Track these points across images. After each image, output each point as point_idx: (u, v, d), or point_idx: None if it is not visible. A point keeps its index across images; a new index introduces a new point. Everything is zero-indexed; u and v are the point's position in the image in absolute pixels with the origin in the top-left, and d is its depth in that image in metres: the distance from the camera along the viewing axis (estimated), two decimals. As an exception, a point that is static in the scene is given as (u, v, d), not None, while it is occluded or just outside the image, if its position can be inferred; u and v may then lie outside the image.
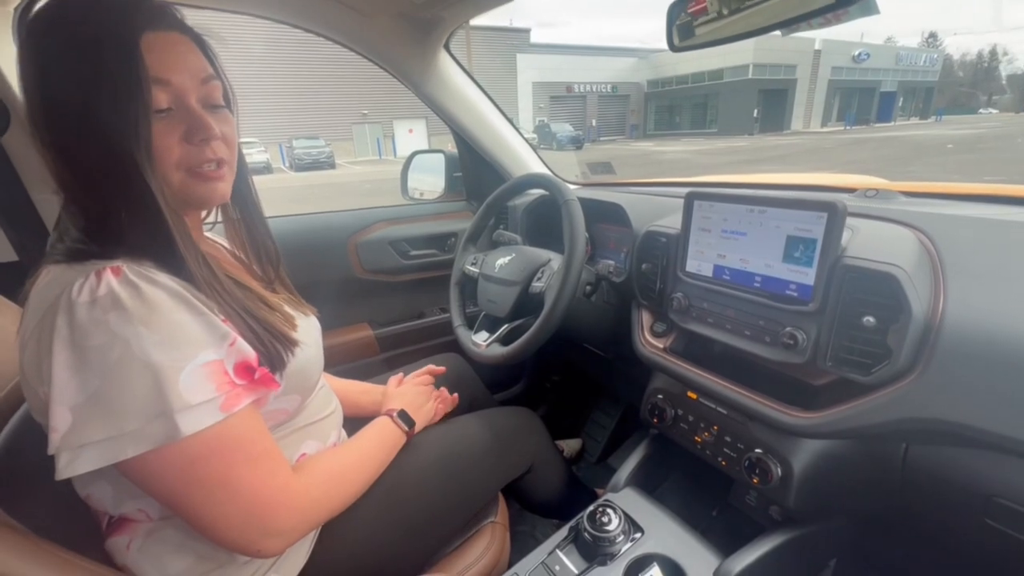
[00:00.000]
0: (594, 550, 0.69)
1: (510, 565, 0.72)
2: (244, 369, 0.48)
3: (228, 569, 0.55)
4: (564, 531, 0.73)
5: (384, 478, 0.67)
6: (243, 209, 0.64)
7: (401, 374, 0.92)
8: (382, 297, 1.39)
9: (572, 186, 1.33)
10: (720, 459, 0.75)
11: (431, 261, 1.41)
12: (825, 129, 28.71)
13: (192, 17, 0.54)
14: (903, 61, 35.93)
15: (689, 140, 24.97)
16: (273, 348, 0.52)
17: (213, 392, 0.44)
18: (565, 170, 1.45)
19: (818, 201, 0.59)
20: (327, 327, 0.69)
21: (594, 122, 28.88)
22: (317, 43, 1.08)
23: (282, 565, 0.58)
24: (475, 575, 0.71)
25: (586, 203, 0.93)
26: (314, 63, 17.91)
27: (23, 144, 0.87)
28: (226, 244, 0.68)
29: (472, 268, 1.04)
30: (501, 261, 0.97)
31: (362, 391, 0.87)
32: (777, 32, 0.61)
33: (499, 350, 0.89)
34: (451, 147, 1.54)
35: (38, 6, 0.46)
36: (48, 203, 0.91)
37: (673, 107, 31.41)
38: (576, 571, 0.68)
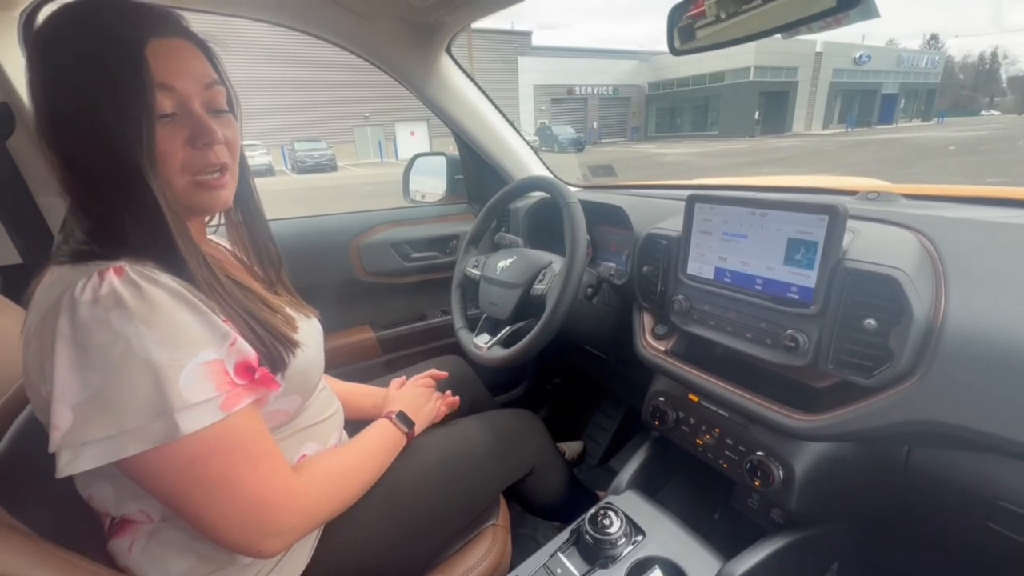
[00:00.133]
0: (595, 553, 0.69)
1: (511, 568, 0.72)
2: (244, 369, 0.48)
3: (229, 571, 0.55)
4: (565, 534, 0.73)
5: (385, 480, 0.67)
6: (245, 212, 0.65)
7: (404, 377, 0.92)
8: (384, 299, 1.40)
9: (573, 188, 1.33)
10: (722, 462, 0.75)
11: (433, 263, 1.42)
12: (826, 131, 28.69)
13: (196, 22, 0.54)
14: (904, 63, 35.92)
15: (690, 142, 24.98)
16: (274, 348, 0.52)
17: (213, 391, 0.45)
18: (566, 172, 1.46)
19: (819, 204, 0.60)
20: (328, 329, 0.70)
21: (595, 124, 28.91)
22: (319, 46, 1.08)
23: (284, 567, 0.58)
24: None
25: (587, 205, 0.93)
26: (316, 65, 17.97)
27: (28, 148, 0.87)
28: (228, 246, 0.68)
29: (474, 270, 1.04)
30: (503, 263, 0.97)
31: (364, 393, 0.87)
32: (778, 35, 0.62)
33: (500, 352, 0.90)
34: (452, 149, 1.54)
35: (44, 11, 0.47)
36: (52, 206, 0.91)
37: (674, 109, 31.43)
38: (577, 574, 0.68)
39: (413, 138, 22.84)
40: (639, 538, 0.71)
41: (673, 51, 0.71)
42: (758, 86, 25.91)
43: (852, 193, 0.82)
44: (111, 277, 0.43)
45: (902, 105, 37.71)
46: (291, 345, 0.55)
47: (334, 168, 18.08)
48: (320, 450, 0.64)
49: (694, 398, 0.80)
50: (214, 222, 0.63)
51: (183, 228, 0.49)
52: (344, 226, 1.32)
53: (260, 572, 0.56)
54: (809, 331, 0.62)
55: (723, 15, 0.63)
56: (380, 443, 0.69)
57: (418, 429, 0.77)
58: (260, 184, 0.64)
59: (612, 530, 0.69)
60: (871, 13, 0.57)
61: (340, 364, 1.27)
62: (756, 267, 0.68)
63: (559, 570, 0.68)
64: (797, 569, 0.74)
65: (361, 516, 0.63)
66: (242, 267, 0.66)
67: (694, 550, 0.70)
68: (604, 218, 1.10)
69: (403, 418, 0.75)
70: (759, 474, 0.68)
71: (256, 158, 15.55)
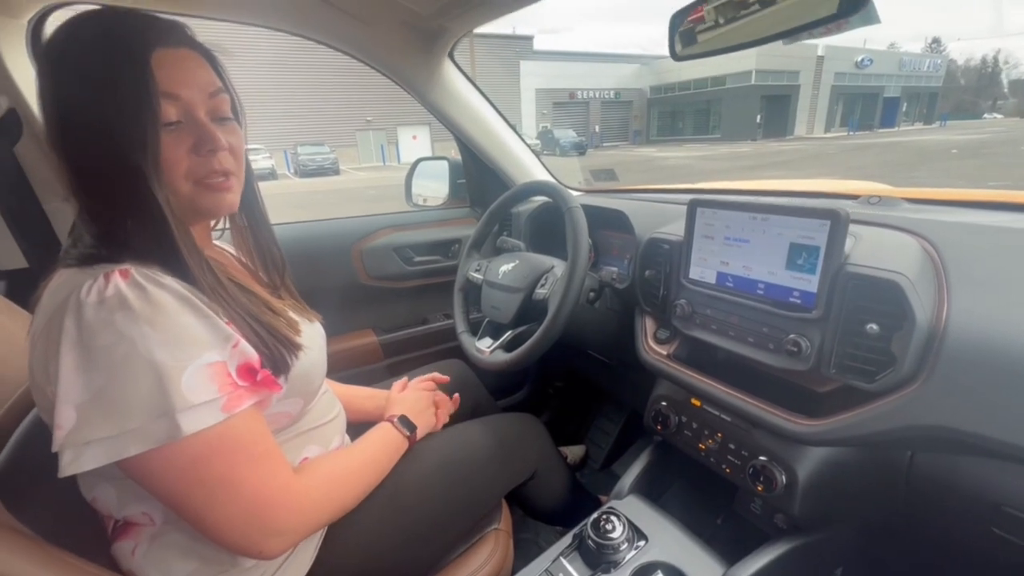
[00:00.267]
0: (598, 558, 0.69)
1: (513, 572, 0.71)
2: (247, 371, 0.49)
3: (232, 573, 0.55)
4: (568, 539, 0.73)
5: (388, 484, 0.67)
6: (250, 216, 0.65)
7: (406, 379, 0.92)
8: (386, 303, 1.40)
9: (575, 193, 1.34)
10: (724, 466, 0.75)
11: (435, 267, 1.42)
12: (829, 135, 28.71)
13: (201, 29, 0.55)
14: (906, 67, 35.93)
15: (692, 146, 25.01)
16: (276, 351, 0.53)
17: (215, 393, 0.45)
18: (568, 176, 1.46)
19: (821, 209, 0.60)
20: (331, 333, 0.70)
21: (597, 128, 28.98)
22: (322, 50, 1.09)
23: (286, 571, 0.58)
24: None
25: (589, 210, 0.93)
26: (319, 70, 18.07)
27: (35, 153, 0.88)
28: (233, 251, 0.69)
29: (476, 274, 1.04)
30: (505, 268, 0.97)
31: (367, 396, 0.87)
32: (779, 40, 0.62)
33: (503, 356, 0.90)
34: (454, 153, 1.55)
35: (51, 19, 0.48)
36: (58, 211, 0.92)
37: (676, 113, 31.49)
38: (580, 579, 0.67)
39: (415, 142, 22.93)
40: (642, 543, 0.71)
41: (675, 56, 0.72)
42: (760, 90, 25.96)
43: (854, 197, 0.82)
44: (117, 279, 0.43)
45: (904, 108, 37.69)
46: (294, 348, 0.55)
47: (336, 172, 18.17)
48: (322, 453, 0.64)
49: (696, 402, 0.80)
50: (219, 226, 0.64)
51: (187, 233, 0.50)
52: (347, 230, 1.33)
53: (263, 575, 0.56)
54: (811, 336, 0.62)
55: (721, 20, 0.64)
56: (382, 446, 0.69)
57: (419, 433, 0.77)
58: (263, 188, 0.65)
59: (615, 535, 0.69)
60: (872, 19, 0.57)
61: (343, 368, 1.28)
62: (758, 272, 0.68)
63: (561, 575, 0.68)
64: (801, 574, 0.74)
65: (363, 520, 0.63)
66: (246, 272, 0.66)
67: (697, 555, 0.70)
68: (606, 222, 1.11)
69: (405, 422, 0.75)
70: (762, 479, 0.68)
71: (259, 162, 15.66)
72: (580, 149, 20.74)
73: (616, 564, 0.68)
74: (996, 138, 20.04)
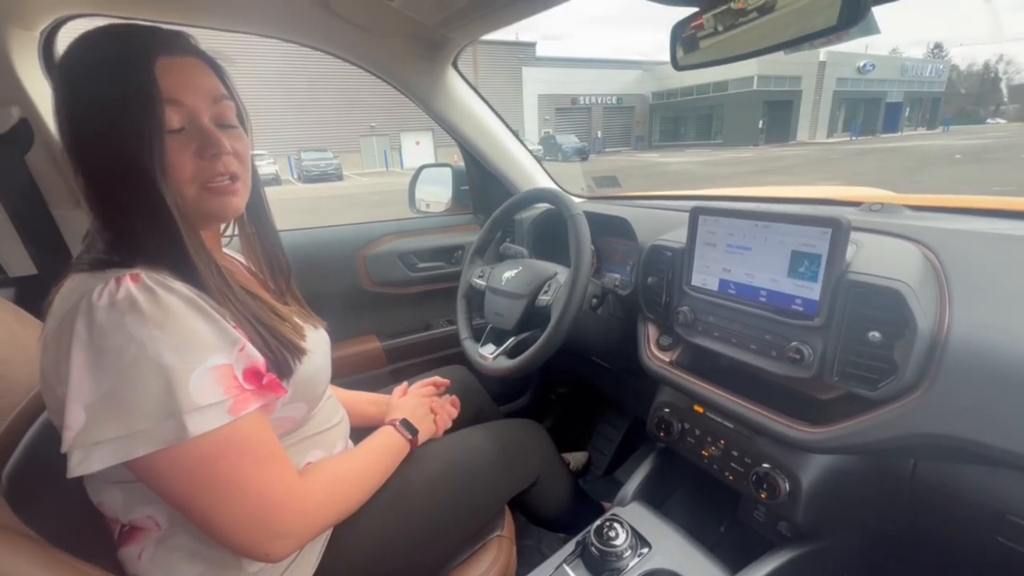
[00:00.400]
0: (601, 565, 0.69)
1: None
2: (253, 374, 0.49)
3: (237, 577, 0.55)
4: (571, 545, 0.73)
5: (391, 489, 0.67)
6: (256, 223, 0.67)
7: (406, 384, 0.93)
8: (390, 309, 1.41)
9: (577, 199, 1.34)
10: (727, 473, 0.75)
11: (438, 273, 1.43)
12: (831, 140, 28.70)
13: (204, 37, 0.57)
14: (909, 72, 35.96)
15: (694, 151, 25.05)
16: (280, 354, 0.54)
17: (222, 395, 0.46)
18: (570, 181, 1.47)
19: (822, 217, 0.60)
20: (335, 339, 0.71)
21: (599, 133, 29.06)
22: (326, 57, 1.10)
23: (291, 574, 0.58)
24: None
25: (592, 217, 0.94)
26: (323, 76, 18.23)
27: (45, 162, 0.90)
28: (243, 259, 0.70)
29: (479, 281, 1.05)
30: (508, 274, 0.98)
31: (370, 401, 0.88)
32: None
33: (506, 363, 0.90)
34: (457, 159, 1.56)
35: (62, 31, 0.49)
36: (67, 219, 0.93)
37: (678, 118, 31.58)
38: (583, 586, 0.67)
39: (418, 148, 23.03)
40: (645, 550, 0.71)
41: (676, 66, 0.73)
42: (762, 95, 26.02)
43: (856, 204, 0.82)
44: (128, 283, 0.44)
45: (907, 113, 37.67)
46: (298, 352, 0.56)
47: (340, 177, 18.26)
48: (326, 457, 0.65)
49: (699, 409, 0.80)
50: (228, 233, 0.65)
51: (195, 236, 0.51)
52: (351, 237, 1.34)
53: (267, 580, 0.57)
54: (814, 343, 0.62)
55: (719, 27, 0.65)
56: (384, 450, 0.70)
57: (421, 437, 0.77)
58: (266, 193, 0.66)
59: (618, 542, 0.69)
60: (872, 29, 0.58)
61: (346, 373, 1.28)
62: (760, 279, 0.68)
63: (564, 582, 0.68)
64: None
65: (367, 525, 0.64)
66: (254, 279, 0.67)
67: (700, 563, 0.69)
68: (609, 229, 1.11)
69: (407, 425, 0.75)
70: (765, 486, 0.68)
71: (263, 168, 15.71)
72: (582, 154, 20.80)
73: (619, 571, 0.68)
74: (1000, 143, 20.00)
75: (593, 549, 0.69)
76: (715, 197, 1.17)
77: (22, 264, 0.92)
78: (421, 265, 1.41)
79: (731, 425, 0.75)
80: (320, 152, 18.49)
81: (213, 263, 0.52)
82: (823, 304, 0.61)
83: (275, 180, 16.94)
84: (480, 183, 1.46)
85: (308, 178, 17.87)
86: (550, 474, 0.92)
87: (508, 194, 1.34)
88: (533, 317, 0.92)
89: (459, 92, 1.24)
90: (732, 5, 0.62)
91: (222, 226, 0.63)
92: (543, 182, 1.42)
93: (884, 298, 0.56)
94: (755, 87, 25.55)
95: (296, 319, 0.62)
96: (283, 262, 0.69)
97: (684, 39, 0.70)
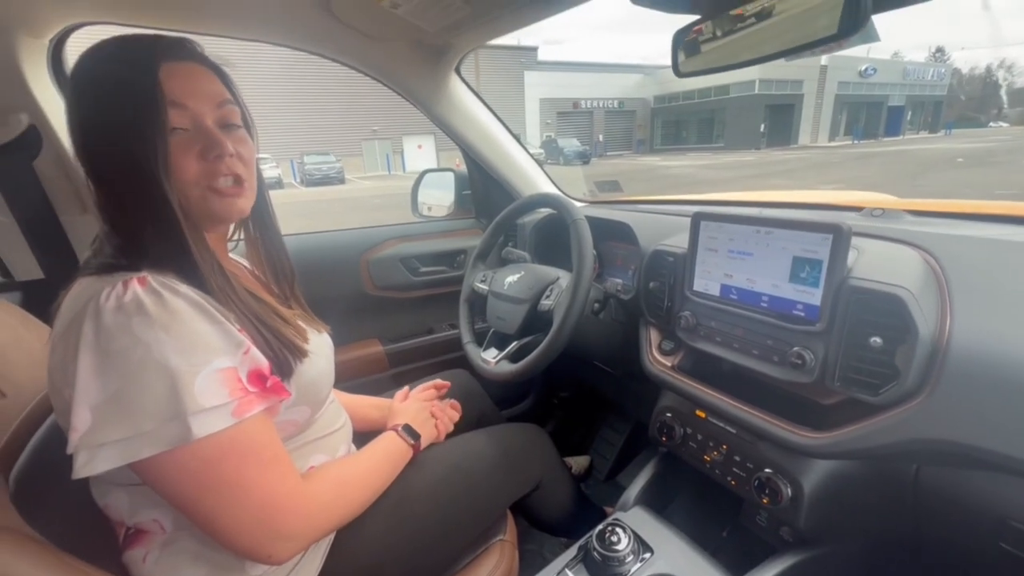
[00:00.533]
0: (603, 570, 0.68)
1: None
2: (257, 377, 0.50)
3: (240, 580, 0.55)
4: (573, 550, 0.73)
5: (393, 493, 0.68)
6: (261, 228, 0.67)
7: (407, 388, 0.93)
8: (392, 313, 1.41)
9: (579, 204, 1.35)
10: (729, 479, 0.75)
11: (441, 278, 1.43)
12: (833, 143, 28.70)
13: (208, 43, 0.58)
14: (910, 75, 35.96)
15: (696, 155, 25.08)
16: (282, 355, 0.54)
17: (226, 397, 0.46)
18: (572, 184, 1.47)
19: (823, 223, 0.60)
20: (338, 342, 0.71)
21: (601, 137, 29.12)
22: (329, 62, 1.11)
23: (294, 579, 0.59)
24: None
25: (594, 221, 0.94)
26: (326, 80, 18.33)
27: (53, 168, 0.91)
28: (248, 264, 0.71)
29: (481, 285, 1.05)
30: (510, 279, 0.98)
31: (373, 405, 0.88)
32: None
33: (508, 367, 0.90)
34: (459, 162, 1.57)
35: (71, 40, 0.50)
36: (74, 224, 0.94)
37: (680, 122, 31.62)
38: (585, 591, 0.67)
39: (420, 151, 23.12)
40: (647, 555, 0.71)
41: (678, 73, 0.73)
42: (763, 99, 26.05)
43: (857, 209, 0.83)
44: (135, 286, 0.45)
45: (909, 117, 37.64)
46: (300, 353, 0.57)
47: (342, 181, 18.31)
48: (328, 461, 0.65)
49: (701, 414, 0.80)
50: (234, 237, 0.66)
51: (200, 238, 0.52)
52: (354, 241, 1.35)
53: (271, 583, 0.57)
54: (815, 348, 0.62)
55: (718, 32, 0.66)
56: (386, 455, 0.70)
57: (423, 441, 0.77)
58: (268, 197, 0.67)
59: (620, 547, 0.69)
60: (871, 37, 0.59)
61: (349, 377, 1.29)
62: (762, 284, 0.68)
63: (567, 587, 0.68)
64: None
65: (370, 528, 0.64)
66: (259, 283, 0.68)
67: (702, 568, 0.69)
68: (610, 234, 1.12)
69: (409, 430, 0.75)
70: (767, 491, 0.68)
71: (266, 171, 15.52)
72: (584, 158, 20.84)
73: (622, 576, 0.68)
74: (1003, 146, 19.97)
75: (595, 554, 0.69)
76: (716, 202, 1.17)
77: (29, 268, 0.93)
78: (423, 269, 1.41)
79: (733, 430, 0.75)
80: (322, 156, 18.58)
81: (217, 265, 0.53)
82: (824, 309, 0.61)
83: (278, 183, 17.04)
84: (482, 188, 1.47)
85: (311, 181, 17.94)
86: (552, 478, 0.92)
87: (510, 199, 1.35)
88: (535, 321, 0.93)
89: (462, 98, 1.25)
90: (731, 12, 0.63)
91: (229, 230, 0.64)
92: (545, 187, 1.42)
93: (885, 304, 0.56)
94: (757, 91, 25.59)
95: (299, 322, 0.63)
96: (287, 266, 0.70)
97: (686, 43, 0.70)
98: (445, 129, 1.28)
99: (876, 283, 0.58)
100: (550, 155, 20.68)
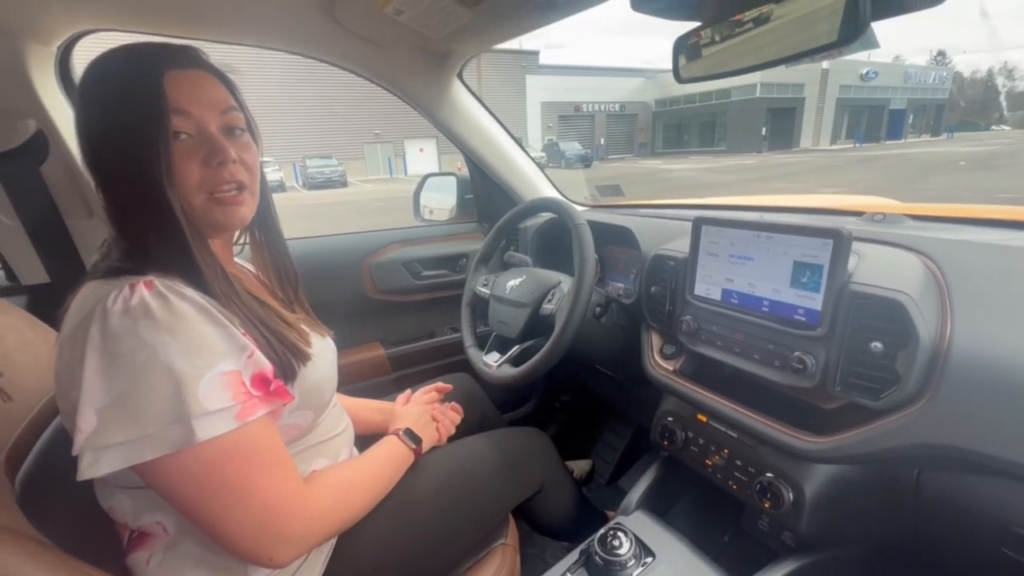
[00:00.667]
0: (605, 574, 0.69)
1: None
2: (261, 381, 0.50)
3: (244, 582, 0.55)
4: (575, 554, 0.73)
5: (395, 496, 0.68)
6: (265, 232, 0.68)
7: (409, 392, 0.93)
8: (394, 317, 1.41)
9: (581, 208, 1.35)
10: (731, 483, 0.75)
11: (443, 281, 1.44)
12: (834, 147, 28.67)
13: (212, 49, 0.59)
14: (912, 79, 35.94)
15: (697, 158, 25.10)
16: (285, 358, 0.55)
17: (230, 400, 0.47)
18: (573, 188, 1.48)
19: (823, 228, 0.61)
20: (340, 346, 0.72)
21: (602, 140, 29.16)
22: (331, 67, 1.12)
23: (297, 582, 0.59)
24: None
25: (595, 226, 0.95)
26: (328, 84, 18.41)
27: (60, 173, 0.92)
28: (253, 268, 0.71)
29: (483, 289, 1.05)
30: (512, 283, 0.99)
31: (375, 409, 0.89)
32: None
33: (510, 371, 0.91)
34: (461, 166, 1.57)
35: (78, 47, 0.51)
36: (80, 228, 0.95)
37: (681, 126, 31.67)
38: (587, 595, 0.67)
39: (422, 155, 23.19)
40: (649, 560, 0.71)
41: (679, 79, 0.74)
42: (765, 102, 26.07)
43: (858, 214, 0.83)
44: (141, 290, 0.46)
45: (911, 120, 37.60)
46: (302, 356, 0.57)
47: (344, 184, 18.38)
48: (331, 465, 0.65)
49: (703, 418, 0.80)
50: (240, 241, 0.67)
51: (203, 243, 0.53)
52: (356, 245, 1.35)
53: (274, 586, 0.57)
54: (816, 353, 0.63)
55: (717, 38, 0.66)
56: (388, 459, 0.70)
57: (425, 445, 0.77)
58: (271, 200, 0.67)
59: (621, 551, 0.69)
60: (871, 44, 0.59)
61: (351, 381, 1.29)
62: (763, 289, 0.68)
63: (568, 591, 0.68)
64: None
65: (372, 532, 0.64)
66: (263, 287, 0.69)
67: (704, 572, 0.69)
68: (612, 238, 1.12)
69: (410, 435, 0.76)
70: (769, 496, 0.68)
71: (268, 175, 15.62)
72: (585, 161, 20.85)
73: (623, 581, 0.68)
74: (1005, 150, 19.93)
75: (597, 558, 0.69)
76: (717, 206, 1.17)
77: (35, 272, 0.93)
78: (425, 273, 1.42)
79: (735, 434, 0.75)
80: (325, 159, 18.66)
81: (221, 270, 0.53)
82: (825, 314, 0.61)
83: (280, 187, 17.11)
84: (484, 192, 1.48)
85: (313, 185, 18.01)
86: (554, 482, 0.92)
87: (512, 203, 1.35)
88: (537, 325, 0.93)
89: (464, 103, 1.25)
90: (731, 18, 0.63)
91: (234, 235, 0.64)
92: (547, 191, 1.43)
93: (886, 309, 0.57)
94: (758, 94, 25.61)
95: (303, 326, 0.63)
96: (290, 270, 0.70)
97: (687, 48, 0.71)
98: (448, 134, 1.29)
99: (877, 288, 0.58)
100: (552, 159, 20.71)
